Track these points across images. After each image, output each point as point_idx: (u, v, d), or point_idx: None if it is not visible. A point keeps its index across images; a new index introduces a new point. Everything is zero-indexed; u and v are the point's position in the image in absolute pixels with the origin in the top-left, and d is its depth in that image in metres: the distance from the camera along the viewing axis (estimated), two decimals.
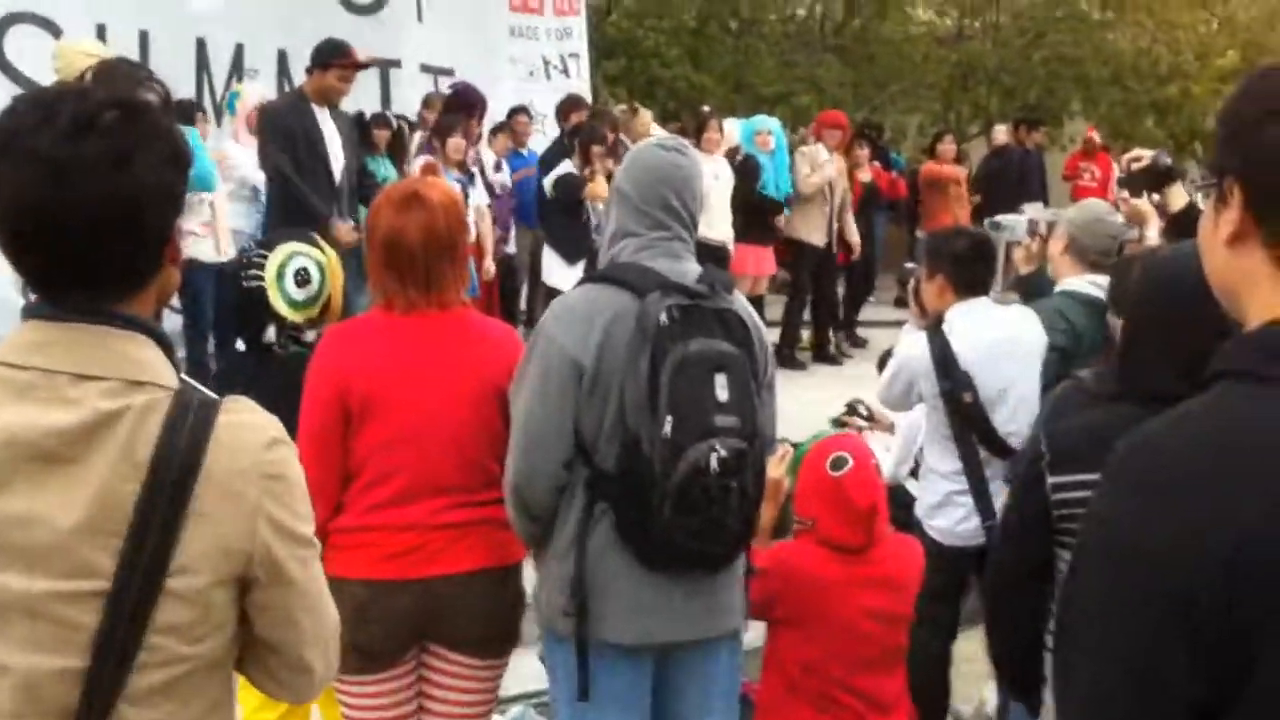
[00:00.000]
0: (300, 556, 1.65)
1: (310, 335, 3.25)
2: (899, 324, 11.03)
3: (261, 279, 3.16)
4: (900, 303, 13.19)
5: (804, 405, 5.37)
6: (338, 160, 6.50)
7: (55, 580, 1.50)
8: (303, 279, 3.21)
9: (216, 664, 1.64)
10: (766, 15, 18.17)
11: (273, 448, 1.63)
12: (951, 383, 3.92)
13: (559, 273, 8.30)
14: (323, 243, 3.42)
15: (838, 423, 5.09)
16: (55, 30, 7.70)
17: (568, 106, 9.76)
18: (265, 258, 3.19)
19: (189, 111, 6.90)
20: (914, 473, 4.62)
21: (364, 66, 7.03)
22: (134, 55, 8.11)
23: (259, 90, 7.76)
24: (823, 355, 10.49)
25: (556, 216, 8.55)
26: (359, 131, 7.53)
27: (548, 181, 8.45)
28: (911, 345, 4.11)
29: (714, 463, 2.60)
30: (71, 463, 1.51)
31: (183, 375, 1.63)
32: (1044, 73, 17.21)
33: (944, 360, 3.93)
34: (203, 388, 1.64)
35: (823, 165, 10.02)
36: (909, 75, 17.86)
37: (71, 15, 7.87)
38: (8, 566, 1.50)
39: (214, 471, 1.55)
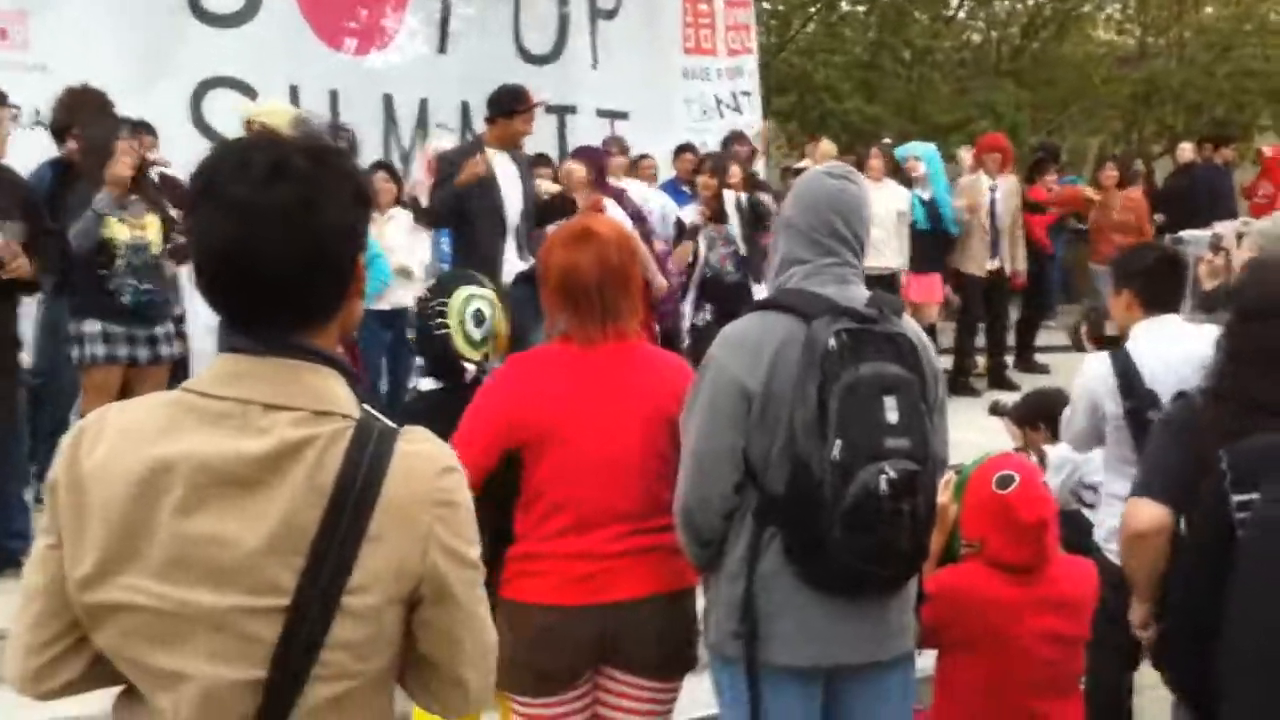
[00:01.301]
0: (466, 579, 1.71)
1: (489, 367, 3.40)
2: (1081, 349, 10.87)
3: (448, 326, 3.31)
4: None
5: (980, 432, 5.29)
6: (512, 203, 6.76)
7: (241, 596, 1.58)
8: (479, 319, 3.34)
9: (382, 680, 1.72)
10: (940, 43, 17.99)
11: (444, 475, 1.70)
12: (1135, 401, 3.80)
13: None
14: (484, 279, 3.56)
15: (994, 410, 5.07)
16: (251, 92, 8.11)
17: (730, 141, 9.82)
18: (446, 304, 3.32)
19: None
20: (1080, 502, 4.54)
21: (538, 105, 7.30)
22: (324, 114, 8.58)
23: (443, 142, 8.07)
24: (997, 381, 10.31)
25: None
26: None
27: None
28: (1093, 364, 4.03)
29: (884, 485, 2.60)
30: (261, 487, 1.60)
31: (365, 406, 1.71)
32: (1230, 87, 16.60)
33: (1127, 377, 3.83)
34: (383, 417, 1.71)
35: (972, 192, 9.95)
36: (1089, 96, 17.44)
37: (266, 77, 8.31)
38: (198, 583, 1.58)
39: (391, 497, 1.63)
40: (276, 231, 1.61)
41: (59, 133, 5.86)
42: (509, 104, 6.87)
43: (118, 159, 5.24)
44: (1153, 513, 2.91)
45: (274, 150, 1.66)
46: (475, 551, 1.73)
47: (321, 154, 1.69)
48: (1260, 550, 2.34)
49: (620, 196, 8.43)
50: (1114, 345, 3.99)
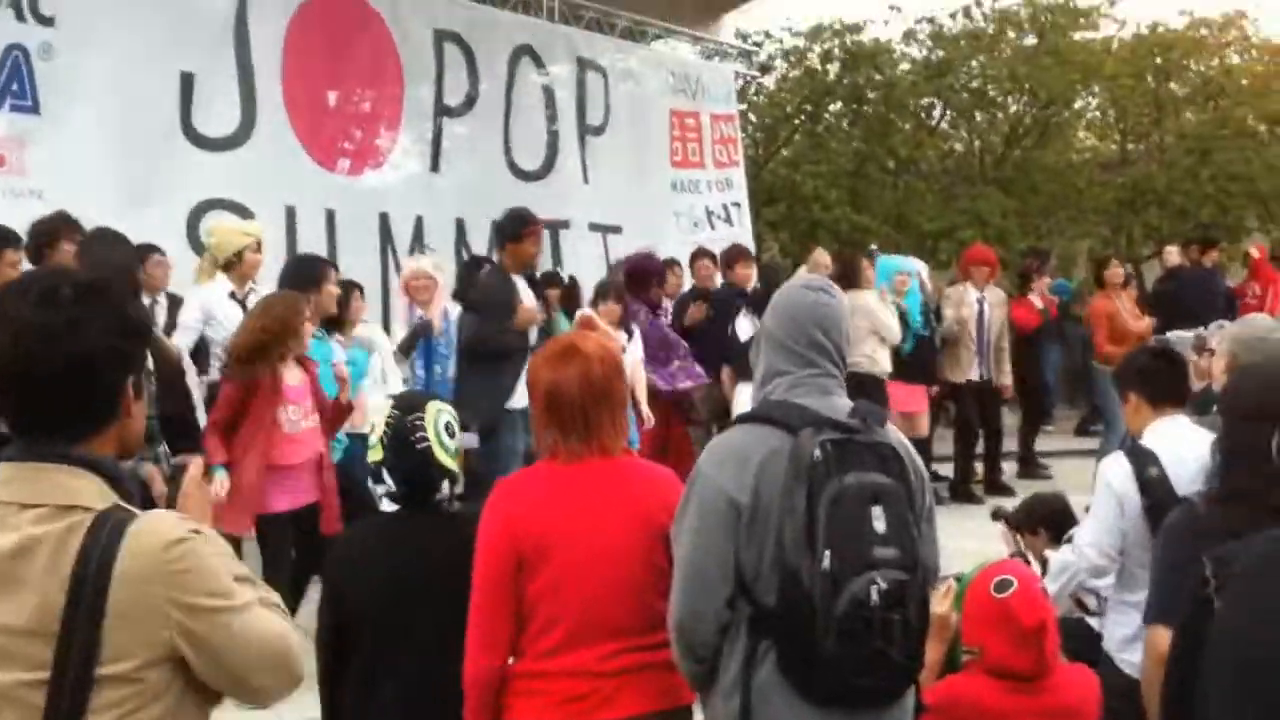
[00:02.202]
0: (219, 623, 1.94)
1: (458, 487, 3.40)
2: (1083, 453, 10.90)
3: (428, 439, 3.30)
4: (1081, 431, 12.97)
5: (981, 539, 5.28)
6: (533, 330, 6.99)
7: (19, 672, 1.85)
8: (451, 431, 3.35)
9: None
10: (924, 153, 18.28)
11: (171, 547, 1.91)
12: (1153, 498, 3.78)
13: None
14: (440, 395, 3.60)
15: (995, 516, 5.06)
16: (247, 213, 8.19)
17: (732, 256, 9.92)
18: (422, 419, 3.32)
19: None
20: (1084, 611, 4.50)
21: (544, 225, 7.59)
22: (321, 233, 8.70)
23: (412, 265, 8.03)
24: (994, 488, 10.31)
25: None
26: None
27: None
28: (1111, 463, 4.03)
29: (875, 595, 2.60)
30: (12, 578, 1.87)
31: (118, 501, 1.96)
32: (1214, 190, 16.84)
33: (1145, 474, 3.85)
34: (130, 508, 1.95)
35: (959, 305, 10.07)
36: (1074, 202, 17.70)
37: (262, 198, 8.44)
38: None
39: (122, 576, 1.87)
40: (40, 348, 1.92)
41: (36, 258, 5.88)
42: (515, 228, 6.98)
43: None
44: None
45: (50, 279, 2.02)
46: (225, 590, 1.95)
47: (90, 286, 2.00)
48: (1216, 655, 2.30)
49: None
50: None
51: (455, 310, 7.60)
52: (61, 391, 1.95)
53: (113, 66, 7.75)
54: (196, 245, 7.85)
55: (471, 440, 3.83)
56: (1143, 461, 3.87)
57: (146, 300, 6.88)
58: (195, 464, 2.34)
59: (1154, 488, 3.81)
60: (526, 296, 7.05)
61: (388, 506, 3.44)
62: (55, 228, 5.90)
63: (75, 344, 1.94)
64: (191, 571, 1.92)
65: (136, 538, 1.89)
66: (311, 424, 5.67)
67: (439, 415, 3.34)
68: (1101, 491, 4.01)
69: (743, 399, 8.00)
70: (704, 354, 8.90)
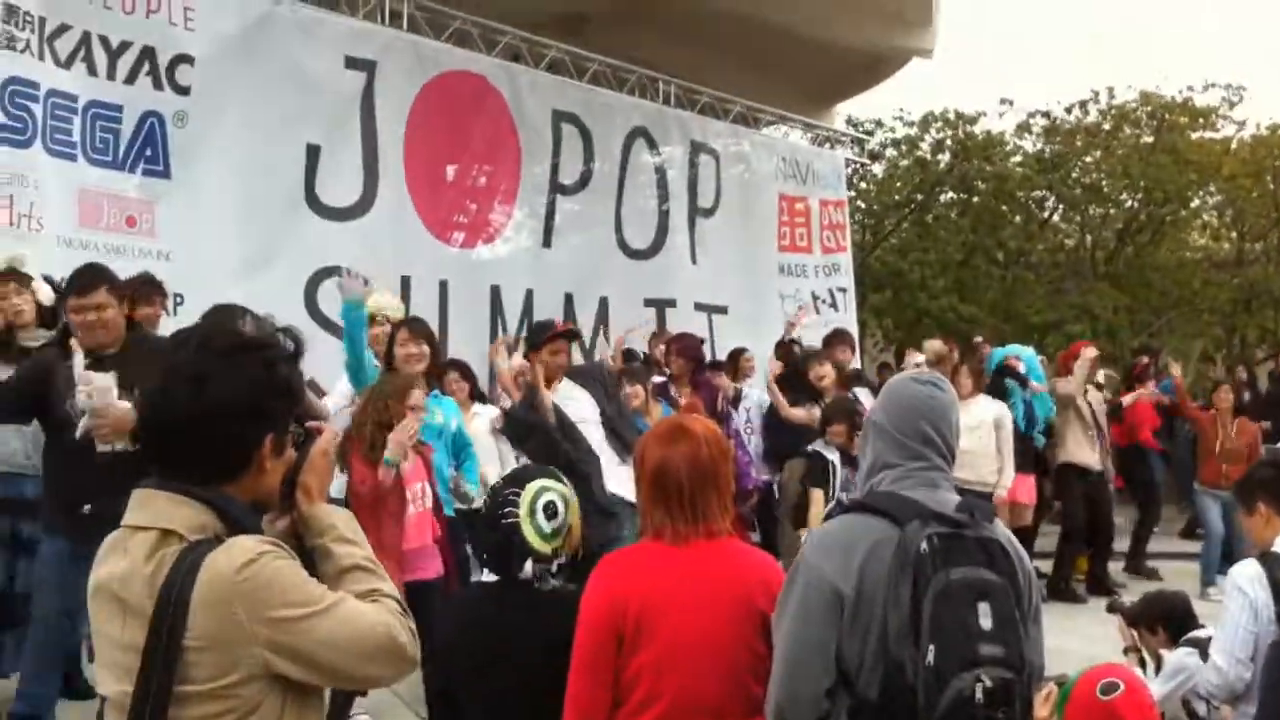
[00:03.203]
0: (308, 628, 2.02)
1: (555, 566, 3.36)
2: (1186, 555, 10.63)
3: (516, 515, 3.30)
4: (1187, 534, 12.64)
5: (1082, 639, 5.19)
6: (591, 431, 6.66)
7: (125, 684, 1.99)
8: (551, 512, 3.34)
9: None
10: (1034, 245, 18.14)
11: (244, 569, 1.99)
12: None
13: None
14: (563, 476, 3.55)
15: (1111, 608, 4.95)
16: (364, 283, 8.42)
17: (832, 341, 9.92)
18: (518, 495, 3.33)
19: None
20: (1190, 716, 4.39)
21: (574, 336, 7.41)
22: (435, 302, 8.87)
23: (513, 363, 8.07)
24: (1099, 587, 10.11)
25: None
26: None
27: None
28: (1244, 568, 3.95)
29: (979, 693, 2.56)
30: (121, 600, 2.02)
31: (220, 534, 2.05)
32: None
33: (1278, 583, 3.79)
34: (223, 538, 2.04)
35: (1067, 384, 9.96)
36: (1186, 301, 17.40)
37: (379, 268, 8.58)
38: (112, 680, 2.03)
39: (203, 602, 1.97)
40: (183, 394, 2.07)
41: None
42: (535, 337, 6.85)
43: None
44: None
45: (210, 331, 2.21)
46: (304, 597, 2.03)
47: (244, 343, 2.16)
48: None
49: (711, 389, 8.55)
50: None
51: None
52: (195, 437, 2.08)
53: (242, 136, 8.01)
54: (314, 311, 8.07)
55: None
56: (1275, 566, 3.80)
57: None
58: (328, 433, 2.36)
59: None
60: (580, 404, 6.72)
61: (485, 576, 3.46)
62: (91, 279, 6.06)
63: (215, 394, 2.07)
64: (266, 587, 1.99)
65: (213, 563, 1.98)
66: (425, 506, 5.60)
67: (541, 493, 3.35)
68: (1233, 595, 3.93)
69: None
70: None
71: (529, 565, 3.30)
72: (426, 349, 6.40)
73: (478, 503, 6.58)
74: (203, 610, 1.96)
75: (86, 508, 4.67)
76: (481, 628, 3.29)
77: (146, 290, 6.32)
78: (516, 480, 3.42)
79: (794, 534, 7.56)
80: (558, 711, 2.99)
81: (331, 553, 2.21)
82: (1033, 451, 9.67)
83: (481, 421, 7.56)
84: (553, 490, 3.39)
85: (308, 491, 2.27)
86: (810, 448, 7.62)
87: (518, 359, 7.03)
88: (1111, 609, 5.04)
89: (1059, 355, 11.15)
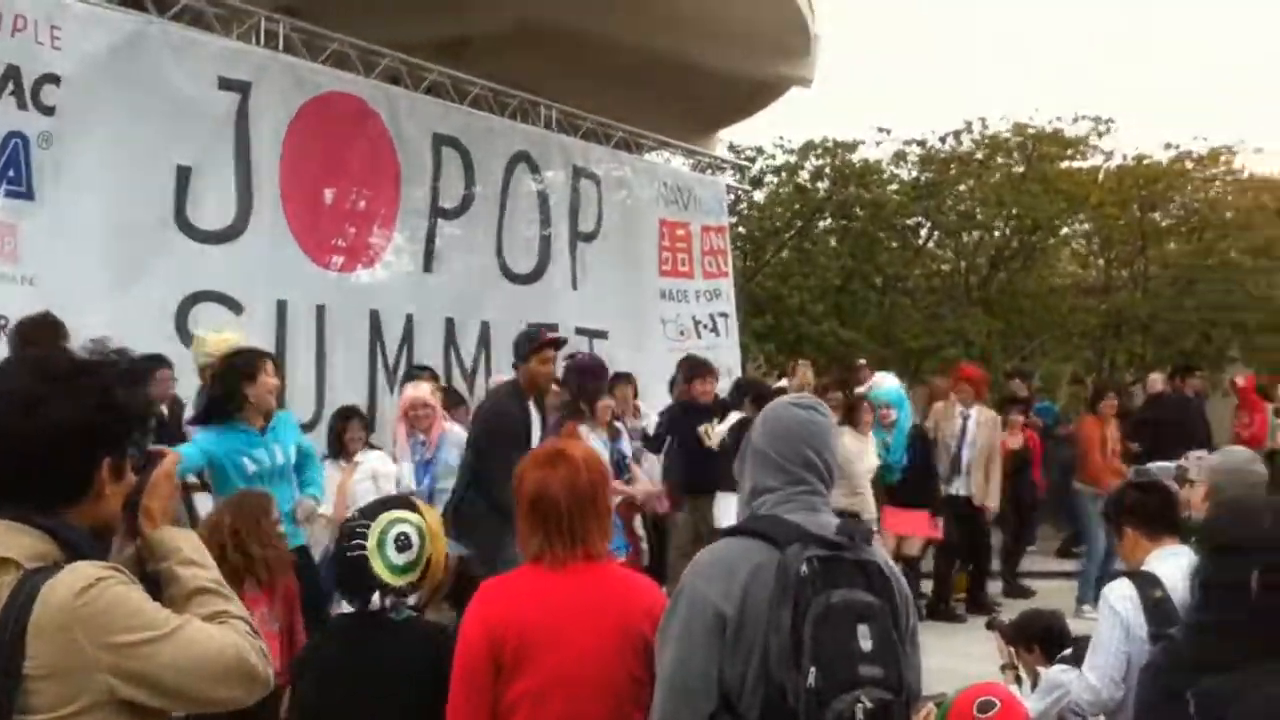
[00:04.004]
0: (152, 653, 1.98)
1: (412, 599, 3.34)
2: (1063, 574, 10.89)
3: (364, 548, 3.27)
4: (1063, 553, 12.95)
5: (961, 659, 5.26)
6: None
7: None
8: (403, 544, 3.30)
9: None
10: (910, 271, 18.50)
11: (83, 593, 1.95)
12: (1159, 625, 3.77)
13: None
14: (422, 506, 3.52)
15: (990, 625, 5.04)
16: (237, 306, 8.24)
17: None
18: (367, 527, 3.30)
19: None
20: None
21: (561, 344, 7.40)
22: (312, 327, 8.71)
23: (411, 394, 7.96)
24: (976, 605, 10.32)
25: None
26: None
27: (722, 429, 8.53)
28: (1117, 587, 4.01)
29: (860, 714, 2.57)
30: None
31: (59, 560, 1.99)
32: (1197, 319, 17.07)
33: (1151, 600, 3.85)
34: (61, 565, 1.98)
35: (942, 419, 10.30)
36: (1057, 325, 17.90)
37: (252, 292, 8.43)
38: None
39: (40, 629, 1.92)
40: (16, 417, 2.02)
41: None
42: (522, 348, 6.94)
43: None
44: None
45: (48, 356, 2.20)
46: (141, 625, 1.98)
47: (82, 365, 2.13)
48: None
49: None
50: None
51: (453, 428, 7.65)
52: (30, 462, 2.03)
53: (110, 157, 7.75)
54: (185, 336, 7.85)
55: (458, 548, 3.76)
56: (1146, 586, 3.87)
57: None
58: (171, 457, 2.31)
59: (1158, 612, 3.81)
60: (534, 418, 6.88)
61: (342, 604, 3.40)
62: (32, 331, 5.90)
63: (50, 417, 2.03)
64: (107, 612, 1.95)
65: (51, 589, 1.94)
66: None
67: (391, 525, 3.30)
68: (1105, 615, 4.00)
69: (724, 508, 7.99)
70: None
71: (376, 597, 3.26)
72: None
73: (324, 508, 6.51)
74: (42, 638, 1.92)
75: None
76: (341, 660, 3.25)
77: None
78: (368, 513, 3.39)
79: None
80: None
81: (177, 576, 2.17)
82: (927, 485, 9.89)
83: (364, 469, 7.51)
84: (407, 522, 3.34)
85: (150, 515, 2.22)
86: None
87: None
88: (990, 626, 5.11)
89: (951, 376, 11.38)
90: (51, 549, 2.01)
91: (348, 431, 7.69)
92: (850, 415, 9.36)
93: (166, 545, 2.21)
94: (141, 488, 2.21)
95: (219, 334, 7.14)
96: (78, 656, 1.93)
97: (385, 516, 3.32)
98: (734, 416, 8.53)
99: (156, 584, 2.15)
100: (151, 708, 2.02)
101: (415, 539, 3.33)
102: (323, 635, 3.57)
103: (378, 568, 3.25)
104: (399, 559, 3.28)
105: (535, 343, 6.92)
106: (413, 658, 2.99)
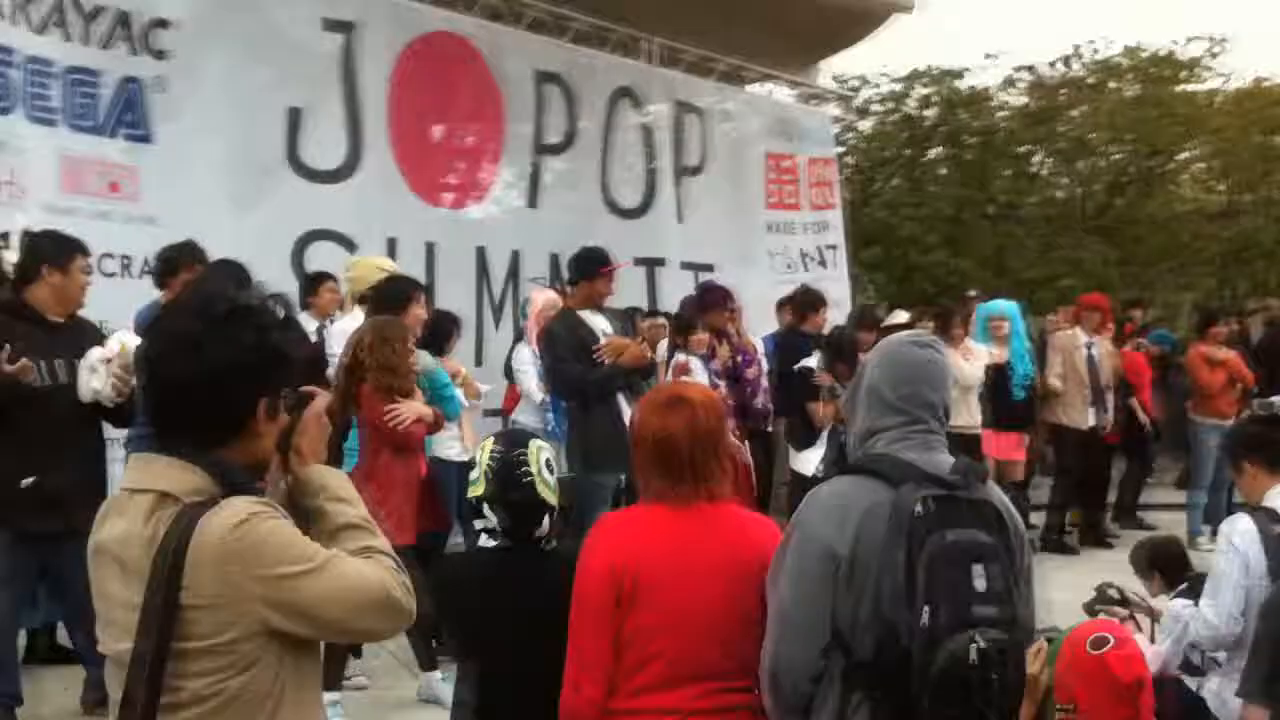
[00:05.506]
0: (305, 585, 2.06)
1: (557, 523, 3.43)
2: (1181, 506, 10.69)
3: (532, 476, 3.35)
4: (1182, 484, 12.68)
5: (1073, 591, 5.18)
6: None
7: (127, 642, 2.04)
8: (551, 468, 3.40)
9: (260, 694, 2.09)
10: (1024, 199, 18.11)
11: (238, 528, 2.03)
12: (1276, 563, 3.75)
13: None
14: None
15: (1090, 610, 4.90)
16: (350, 245, 8.44)
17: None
18: (526, 455, 3.37)
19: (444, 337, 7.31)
20: (1187, 669, 4.39)
21: (620, 266, 7.53)
22: (421, 263, 8.83)
23: (544, 295, 8.21)
24: (1093, 538, 10.19)
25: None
26: (629, 324, 8.03)
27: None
28: (1238, 522, 3.94)
29: (974, 654, 2.56)
30: (122, 561, 2.08)
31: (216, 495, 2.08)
32: None
33: (1272, 538, 3.78)
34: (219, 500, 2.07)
35: (1069, 350, 9.90)
36: (1178, 253, 17.39)
37: (365, 230, 8.62)
38: (112, 639, 2.11)
39: (198, 563, 2.01)
40: (179, 358, 2.12)
41: (160, 282, 6.19)
42: (591, 267, 7.07)
43: None
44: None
45: (209, 297, 2.23)
46: (294, 559, 2.06)
47: (242, 306, 2.19)
48: None
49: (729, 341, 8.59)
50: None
51: None
52: (192, 400, 2.12)
53: (222, 99, 7.92)
54: (300, 273, 8.02)
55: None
56: (1267, 521, 3.79)
57: (314, 324, 7.15)
58: (321, 397, 2.39)
59: (1279, 548, 3.74)
60: (598, 326, 7.05)
61: (485, 542, 3.45)
62: (177, 256, 6.10)
63: (210, 358, 2.11)
64: (260, 545, 2.04)
65: (208, 523, 2.02)
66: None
67: (540, 452, 3.40)
68: (1224, 551, 3.93)
69: (802, 463, 8.03)
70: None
71: (546, 520, 3.36)
72: None
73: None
74: (199, 570, 2.01)
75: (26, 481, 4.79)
76: (495, 588, 3.33)
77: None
78: (517, 443, 3.45)
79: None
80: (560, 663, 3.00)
81: (326, 512, 2.25)
82: (1020, 407, 9.68)
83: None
84: (546, 449, 3.45)
85: (301, 454, 2.31)
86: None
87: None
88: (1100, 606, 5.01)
89: (1074, 305, 11.13)
90: (209, 485, 2.10)
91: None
92: (942, 327, 9.16)
93: (316, 483, 2.30)
94: (293, 427, 2.29)
95: (370, 259, 7.42)
96: (233, 588, 2.02)
97: (533, 444, 3.42)
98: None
99: (306, 520, 2.22)
100: (301, 637, 2.12)
101: (554, 463, 3.44)
102: (476, 561, 3.63)
103: (544, 492, 3.34)
104: (552, 481, 3.39)
105: (606, 264, 7.13)
106: (567, 585, 3.05)
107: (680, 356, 8.14)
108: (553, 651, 3.02)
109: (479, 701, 3.35)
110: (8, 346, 4.82)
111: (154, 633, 2.01)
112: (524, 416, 7.93)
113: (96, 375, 5.07)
